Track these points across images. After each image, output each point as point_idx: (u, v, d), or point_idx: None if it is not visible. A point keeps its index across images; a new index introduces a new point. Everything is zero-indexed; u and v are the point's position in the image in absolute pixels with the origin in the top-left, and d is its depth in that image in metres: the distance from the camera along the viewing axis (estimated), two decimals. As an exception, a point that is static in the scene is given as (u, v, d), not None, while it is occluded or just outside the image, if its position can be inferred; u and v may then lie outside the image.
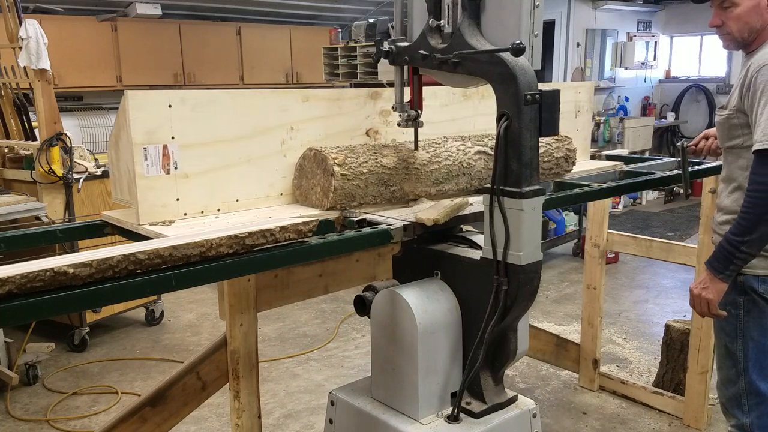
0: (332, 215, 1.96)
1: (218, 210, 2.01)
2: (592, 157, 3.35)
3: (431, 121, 2.34)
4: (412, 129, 2.18)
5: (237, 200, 2.05)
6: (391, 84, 2.19)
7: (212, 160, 1.98)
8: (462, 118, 2.64)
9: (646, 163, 3.16)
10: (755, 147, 2.07)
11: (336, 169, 1.96)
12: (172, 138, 1.88)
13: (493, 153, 2.29)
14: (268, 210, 2.07)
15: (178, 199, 1.92)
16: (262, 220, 1.85)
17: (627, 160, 3.30)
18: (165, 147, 1.87)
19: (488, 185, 1.77)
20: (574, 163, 2.68)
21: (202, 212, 1.98)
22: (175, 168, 1.90)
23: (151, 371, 4.28)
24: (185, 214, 1.94)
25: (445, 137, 2.35)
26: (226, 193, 2.02)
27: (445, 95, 2.56)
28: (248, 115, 2.04)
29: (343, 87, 6.73)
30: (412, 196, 2.15)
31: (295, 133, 2.15)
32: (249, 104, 2.04)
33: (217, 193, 2.00)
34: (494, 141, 2.33)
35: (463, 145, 2.30)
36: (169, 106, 1.87)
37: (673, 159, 3.28)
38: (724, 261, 2.15)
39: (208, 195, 1.99)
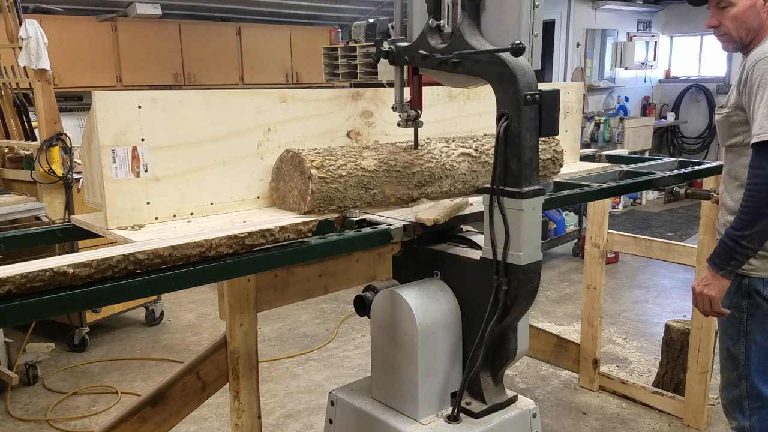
0: (310, 219, 1.89)
1: (191, 214, 1.95)
2: (592, 158, 3.35)
3: None
4: (396, 131, 2.16)
5: (211, 204, 1.99)
6: (391, 84, 2.19)
7: (184, 163, 1.92)
8: (447, 119, 2.59)
9: (645, 163, 3.16)
10: (753, 140, 2.07)
11: (313, 171, 1.91)
12: (142, 140, 1.82)
13: (477, 155, 2.29)
14: (244, 214, 2.02)
15: (148, 203, 1.86)
16: (234, 224, 1.82)
17: (627, 160, 3.30)
18: (134, 149, 1.81)
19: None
20: (561, 165, 2.64)
21: (175, 216, 1.92)
22: (146, 171, 1.84)
23: (151, 371, 4.28)
24: (156, 218, 1.88)
25: (428, 139, 2.31)
26: (200, 197, 1.97)
27: (430, 96, 2.51)
28: (222, 116, 1.99)
29: (343, 87, 6.73)
30: (393, 200, 2.11)
31: (272, 135, 2.10)
32: (223, 105, 1.99)
33: (190, 196, 1.94)
34: (479, 143, 2.34)
35: (446, 146, 2.26)
36: (139, 107, 1.81)
37: (673, 159, 3.28)
38: (726, 257, 2.14)
39: (181, 198, 1.93)
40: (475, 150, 2.32)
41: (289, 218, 1.90)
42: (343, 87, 6.75)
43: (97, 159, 1.81)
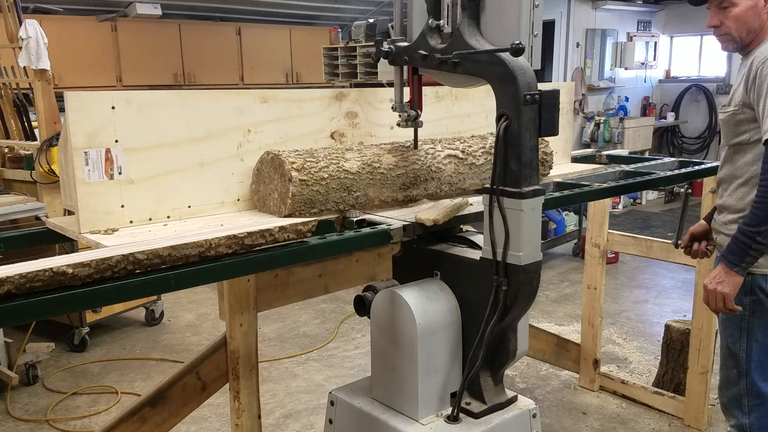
0: (291, 222, 1.84)
1: (168, 217, 1.90)
2: (592, 158, 3.35)
3: None
4: (382, 132, 2.14)
5: (189, 206, 1.94)
6: (391, 84, 2.19)
7: (160, 164, 1.88)
8: (434, 120, 2.54)
9: (645, 163, 3.16)
10: (765, 137, 2.07)
11: (294, 174, 1.87)
12: (116, 141, 1.78)
13: (464, 157, 2.26)
14: (222, 217, 1.98)
15: (122, 206, 1.82)
16: (212, 227, 1.79)
17: (627, 160, 3.30)
18: (108, 151, 1.77)
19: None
20: (551, 167, 2.59)
21: (150, 219, 1.88)
22: (119, 173, 1.80)
23: (151, 371, 4.28)
24: (131, 222, 1.84)
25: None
26: (177, 199, 1.92)
27: None
28: (200, 116, 1.94)
29: (343, 87, 6.73)
30: (378, 203, 2.07)
31: (253, 136, 2.05)
32: (201, 105, 1.94)
33: (166, 199, 1.90)
34: (466, 144, 2.33)
35: (432, 148, 2.22)
36: (113, 107, 1.77)
37: (673, 159, 3.28)
38: (740, 253, 2.14)
39: (157, 201, 1.88)
40: (462, 152, 2.28)
41: (269, 221, 1.85)
42: (343, 87, 6.75)
43: (69, 161, 1.77)
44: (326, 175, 1.93)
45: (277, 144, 2.11)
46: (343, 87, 6.74)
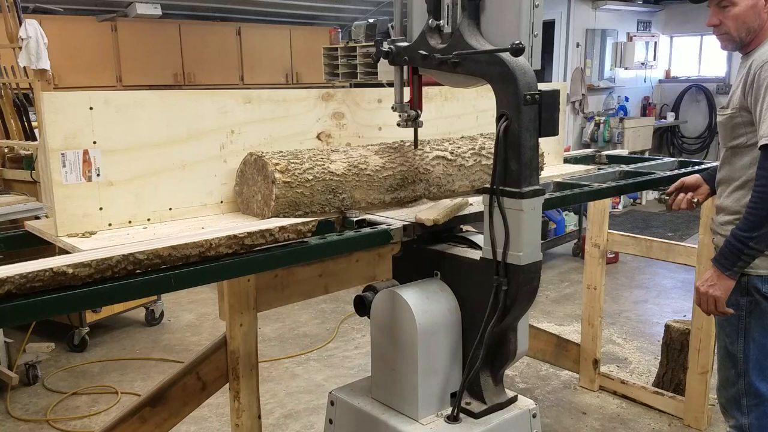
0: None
1: (148, 220, 1.88)
2: (592, 158, 3.35)
3: (388, 124, 2.20)
4: (370, 132, 2.12)
5: (170, 209, 1.92)
6: (391, 84, 2.19)
7: (140, 166, 1.85)
8: (423, 121, 2.53)
9: (645, 163, 3.16)
10: (761, 142, 2.07)
11: (277, 176, 1.84)
12: (94, 143, 1.76)
13: (453, 158, 2.25)
14: (204, 219, 1.94)
15: (101, 209, 1.80)
16: (192, 230, 1.77)
17: (627, 160, 3.30)
18: (86, 152, 1.74)
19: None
20: (542, 168, 2.54)
21: (130, 222, 1.85)
22: (98, 175, 1.77)
23: (151, 371, 4.28)
24: (110, 225, 1.81)
25: (402, 141, 2.24)
26: (158, 202, 1.89)
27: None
28: (181, 117, 1.91)
29: (343, 87, 6.74)
30: (364, 204, 2.05)
31: (236, 137, 2.02)
32: (181, 106, 1.91)
33: (146, 201, 1.87)
34: (455, 145, 2.33)
35: (420, 149, 2.20)
36: (90, 108, 1.75)
37: (673, 159, 3.28)
38: (732, 257, 2.14)
39: (136, 204, 1.86)
40: (451, 153, 2.25)
41: (253, 224, 1.81)
42: (343, 87, 6.75)
43: (47, 163, 1.75)
44: (311, 177, 1.90)
45: (262, 145, 2.08)
46: (343, 86, 6.75)
